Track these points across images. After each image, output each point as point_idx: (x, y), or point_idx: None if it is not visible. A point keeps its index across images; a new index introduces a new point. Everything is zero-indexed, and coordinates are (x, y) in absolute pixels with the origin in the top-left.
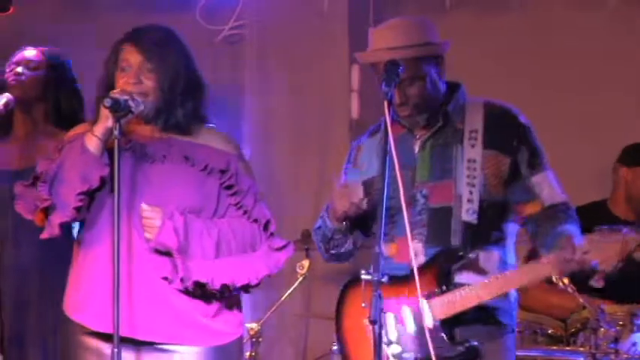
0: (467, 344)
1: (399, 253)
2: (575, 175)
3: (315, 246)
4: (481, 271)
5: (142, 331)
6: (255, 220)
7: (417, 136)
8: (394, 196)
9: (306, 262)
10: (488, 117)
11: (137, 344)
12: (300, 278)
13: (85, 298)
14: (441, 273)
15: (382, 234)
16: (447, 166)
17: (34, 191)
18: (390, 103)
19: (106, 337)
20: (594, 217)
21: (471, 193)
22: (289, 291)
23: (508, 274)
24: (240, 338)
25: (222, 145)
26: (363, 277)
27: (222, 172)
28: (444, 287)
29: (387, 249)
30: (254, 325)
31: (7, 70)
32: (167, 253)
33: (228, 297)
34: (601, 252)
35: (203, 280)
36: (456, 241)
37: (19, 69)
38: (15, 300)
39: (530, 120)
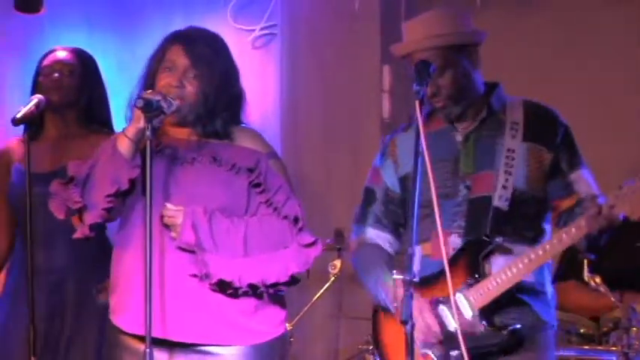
0: (510, 328)
1: (433, 250)
2: (605, 174)
3: (346, 246)
4: (510, 253)
5: (176, 332)
6: (286, 217)
7: (460, 129)
8: (429, 189)
9: (338, 262)
10: (529, 112)
11: (172, 345)
12: (332, 278)
13: (121, 300)
14: (470, 262)
15: (415, 235)
16: (491, 156)
17: (67, 191)
18: (422, 103)
19: (139, 338)
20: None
21: (506, 180)
22: (321, 291)
23: (539, 248)
24: (283, 336)
25: (252, 144)
26: (395, 276)
27: (250, 170)
28: (477, 276)
29: (424, 248)
30: (287, 325)
31: (42, 72)
32: (192, 252)
33: (267, 294)
34: (628, 204)
35: (228, 278)
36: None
37: (56, 74)
38: (49, 304)
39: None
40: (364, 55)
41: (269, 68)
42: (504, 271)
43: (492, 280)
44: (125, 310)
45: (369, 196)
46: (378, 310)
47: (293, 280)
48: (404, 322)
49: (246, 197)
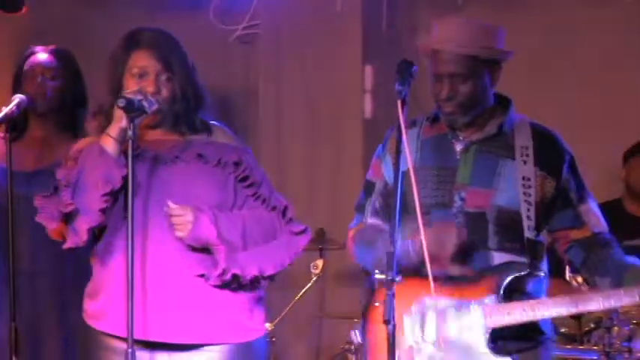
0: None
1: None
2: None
3: (329, 246)
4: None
5: (164, 334)
6: (274, 208)
7: (461, 137)
8: (426, 196)
9: (320, 262)
10: (536, 137)
11: (170, 348)
12: (314, 278)
13: (104, 306)
14: (500, 281)
15: (397, 234)
16: (491, 176)
17: (55, 199)
18: (403, 103)
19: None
20: (610, 216)
21: (528, 210)
22: (303, 291)
23: (581, 296)
24: (266, 335)
25: (229, 140)
26: (377, 276)
27: (236, 164)
28: (502, 296)
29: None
30: (268, 325)
31: (25, 75)
32: (201, 250)
33: (257, 291)
34: None
35: (238, 272)
36: (499, 255)
37: (39, 79)
38: (31, 305)
39: (548, 118)
40: (346, 54)
41: (251, 67)
42: (535, 305)
43: (519, 307)
44: (109, 315)
45: (369, 188)
46: (368, 309)
47: (275, 274)
48: (386, 322)
49: (234, 191)
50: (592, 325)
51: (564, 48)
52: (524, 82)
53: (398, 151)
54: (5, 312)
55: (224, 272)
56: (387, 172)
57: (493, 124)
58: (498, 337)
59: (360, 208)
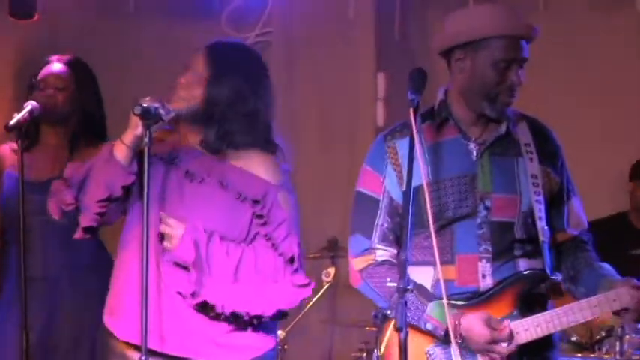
0: None
1: (459, 275)
2: (597, 180)
3: (341, 254)
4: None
5: (164, 344)
6: (281, 254)
7: (474, 140)
8: (447, 209)
9: (332, 270)
10: (533, 131)
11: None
12: (326, 285)
13: (117, 305)
14: (522, 294)
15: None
16: (510, 179)
17: (63, 192)
18: (416, 111)
19: (135, 346)
20: (616, 229)
21: (540, 210)
22: (315, 298)
23: (593, 300)
24: (275, 348)
25: (264, 173)
26: (389, 284)
27: (256, 202)
28: (523, 310)
29: (445, 271)
30: (280, 332)
31: (38, 85)
32: (185, 267)
33: (249, 325)
34: None
35: (212, 301)
36: (523, 262)
37: (50, 90)
38: (43, 310)
39: (555, 123)
40: (359, 62)
41: None
42: (559, 315)
43: (543, 319)
44: (118, 315)
45: (371, 205)
46: (384, 321)
47: (279, 315)
48: (398, 330)
49: (247, 226)
50: (603, 334)
51: (568, 54)
52: (524, 85)
53: (410, 161)
54: (18, 318)
55: (193, 295)
56: (391, 188)
57: (502, 125)
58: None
59: (364, 229)
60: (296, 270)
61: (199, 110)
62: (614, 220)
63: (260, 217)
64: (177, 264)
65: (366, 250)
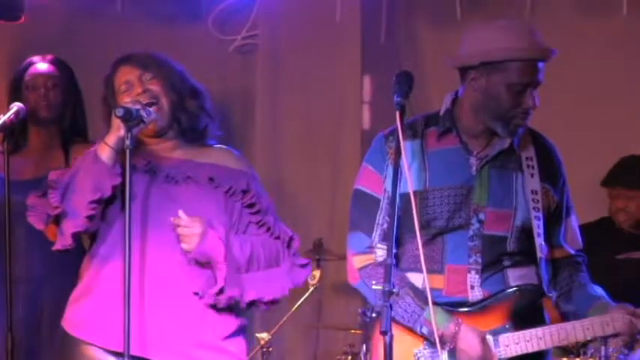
0: None
1: (447, 285)
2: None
3: (326, 257)
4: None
5: (152, 350)
6: (278, 237)
7: (475, 155)
8: (440, 218)
9: (317, 273)
10: (537, 146)
11: None
12: (311, 289)
13: (91, 315)
14: (517, 308)
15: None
16: (507, 193)
17: (45, 201)
18: (402, 114)
19: (113, 353)
20: (603, 232)
21: (538, 226)
22: (300, 301)
23: (586, 322)
24: None
25: (238, 165)
26: (374, 287)
27: (244, 192)
28: (516, 324)
29: (433, 280)
30: (265, 335)
31: (27, 86)
32: (199, 267)
33: (242, 318)
34: None
35: (237, 294)
36: (512, 272)
37: (42, 90)
38: (27, 312)
39: (545, 129)
40: (345, 65)
41: (250, 78)
42: (551, 333)
43: (535, 334)
44: (96, 324)
45: (372, 204)
46: (373, 324)
47: (273, 301)
48: (383, 333)
49: (239, 217)
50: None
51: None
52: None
53: (396, 165)
54: (2, 320)
55: (221, 291)
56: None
57: (506, 141)
58: None
59: (365, 227)
60: (295, 251)
61: (172, 105)
62: (600, 223)
63: (251, 205)
64: (191, 264)
65: (366, 248)
